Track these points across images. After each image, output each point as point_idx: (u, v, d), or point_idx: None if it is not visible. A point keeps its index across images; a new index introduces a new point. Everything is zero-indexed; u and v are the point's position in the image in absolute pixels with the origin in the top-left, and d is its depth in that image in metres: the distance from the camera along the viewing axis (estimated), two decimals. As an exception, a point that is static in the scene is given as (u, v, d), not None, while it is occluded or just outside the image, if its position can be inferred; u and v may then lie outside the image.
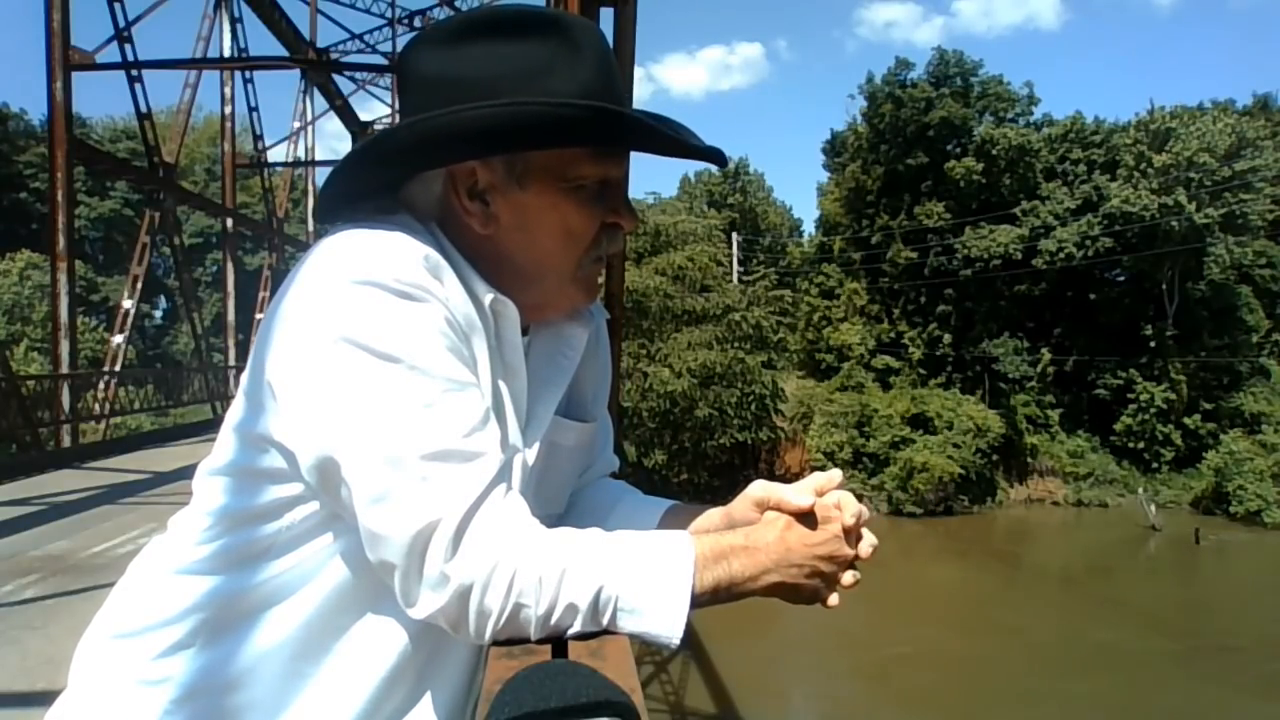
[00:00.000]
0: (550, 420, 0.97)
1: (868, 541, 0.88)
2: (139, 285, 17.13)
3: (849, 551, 0.86)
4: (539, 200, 0.88)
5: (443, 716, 0.92)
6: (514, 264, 0.90)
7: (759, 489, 0.91)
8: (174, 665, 0.85)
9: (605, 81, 0.86)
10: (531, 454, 0.93)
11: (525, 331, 0.95)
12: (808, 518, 0.86)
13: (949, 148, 34.13)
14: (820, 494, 0.88)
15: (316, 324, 0.78)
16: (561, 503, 1.06)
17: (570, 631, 0.79)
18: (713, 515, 0.98)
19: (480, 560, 0.76)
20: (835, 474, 0.90)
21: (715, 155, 0.93)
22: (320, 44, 21.57)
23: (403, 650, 0.87)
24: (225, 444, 0.88)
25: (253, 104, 23.89)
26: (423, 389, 0.77)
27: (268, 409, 0.82)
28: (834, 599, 0.88)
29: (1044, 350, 33.33)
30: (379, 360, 0.77)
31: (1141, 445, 31.57)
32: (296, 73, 24.97)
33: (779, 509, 0.88)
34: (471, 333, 0.85)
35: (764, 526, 0.87)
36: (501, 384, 0.89)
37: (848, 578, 0.88)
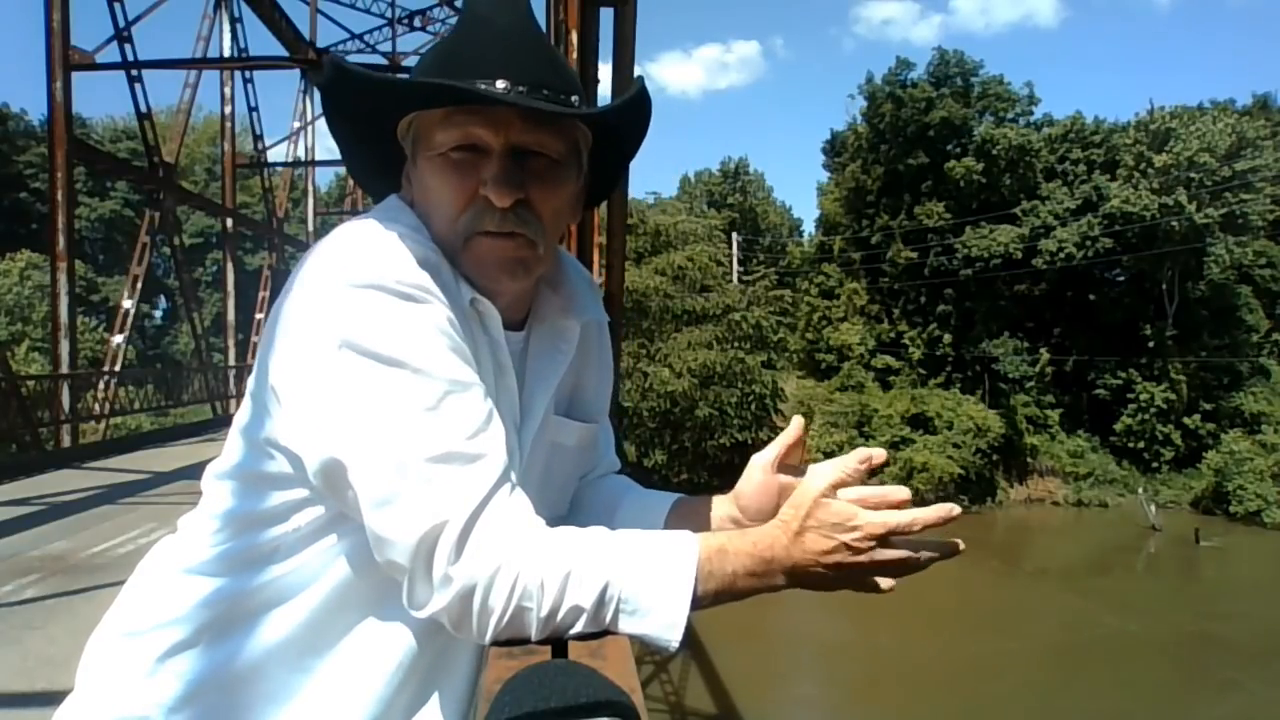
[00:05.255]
0: (548, 418, 0.97)
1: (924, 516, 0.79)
2: (139, 285, 17.12)
3: (862, 559, 0.79)
4: (420, 170, 0.90)
5: (450, 715, 0.92)
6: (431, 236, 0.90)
7: (759, 461, 0.95)
8: (181, 663, 0.85)
9: (459, 46, 0.87)
10: (527, 450, 0.93)
11: (521, 327, 0.96)
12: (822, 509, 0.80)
13: (949, 148, 34.12)
14: (848, 479, 0.82)
15: (318, 328, 0.78)
16: (565, 504, 1.06)
17: (571, 632, 0.79)
18: (720, 503, 0.97)
19: (484, 562, 0.76)
20: (879, 455, 0.83)
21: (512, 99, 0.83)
22: (320, 44, 21.59)
23: (409, 649, 0.88)
24: (233, 447, 0.89)
25: (253, 104, 23.91)
26: (425, 392, 0.78)
27: (273, 413, 0.83)
28: (887, 583, 0.81)
29: (1044, 350, 33.33)
30: (381, 364, 0.77)
31: (1141, 445, 31.56)
32: (296, 73, 24.98)
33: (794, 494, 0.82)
34: (470, 331, 0.86)
35: (772, 532, 0.82)
36: (495, 382, 0.89)
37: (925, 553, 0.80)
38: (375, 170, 0.98)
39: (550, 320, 0.99)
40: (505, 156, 0.86)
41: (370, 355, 0.77)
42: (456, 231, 0.87)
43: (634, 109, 0.93)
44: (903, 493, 0.82)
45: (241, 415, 0.89)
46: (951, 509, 0.79)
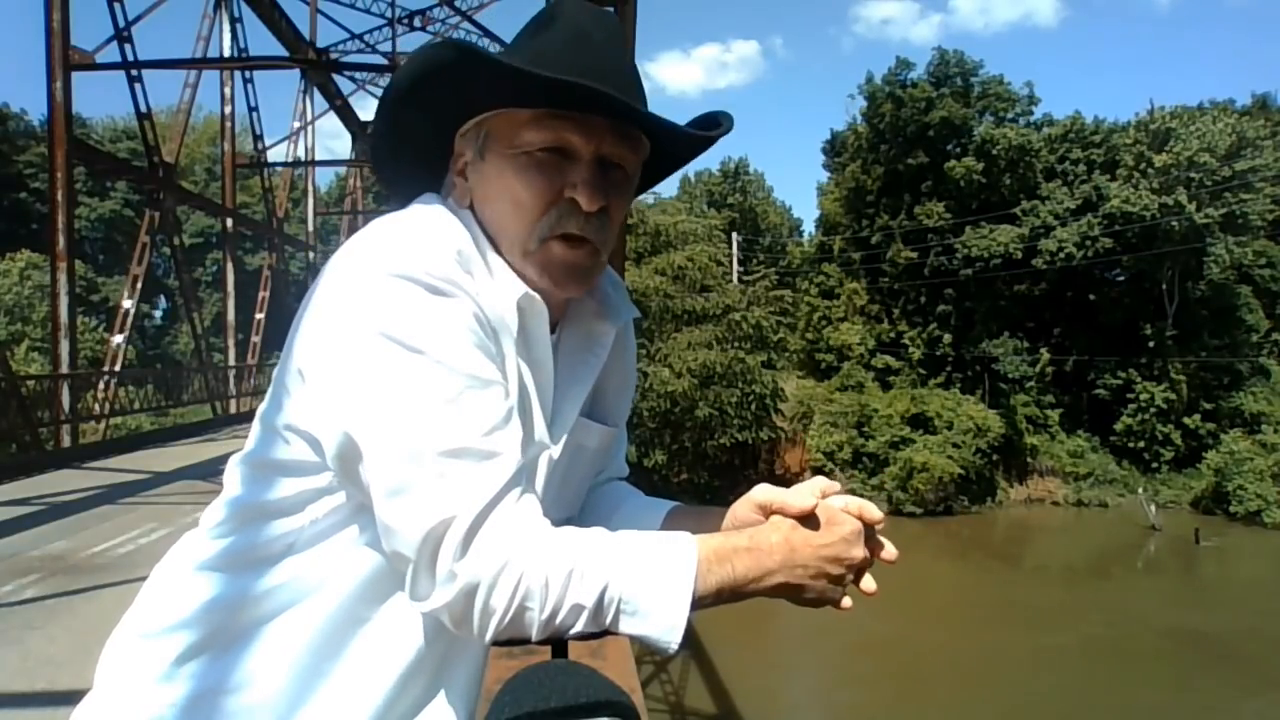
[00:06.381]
0: (576, 420, 0.97)
1: (890, 549, 0.88)
2: (139, 285, 17.12)
3: (856, 554, 0.85)
4: (492, 169, 0.90)
5: (458, 710, 0.93)
6: (492, 238, 0.90)
7: (762, 492, 0.90)
8: (195, 666, 0.85)
9: (561, 52, 0.86)
10: (557, 451, 0.94)
11: (554, 329, 0.96)
12: (810, 520, 0.85)
13: (949, 148, 34.13)
14: (824, 496, 0.87)
15: (349, 314, 0.79)
16: (578, 506, 1.06)
17: (571, 632, 0.79)
18: (715, 517, 0.97)
19: (489, 561, 0.76)
20: (834, 484, 0.90)
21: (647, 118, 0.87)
22: (320, 44, 21.51)
23: (420, 644, 0.88)
24: (255, 435, 0.90)
25: (253, 104, 23.90)
26: (446, 384, 0.78)
27: (295, 395, 0.84)
28: (846, 601, 0.87)
29: (1044, 350, 33.34)
30: (406, 352, 0.78)
31: (1141, 445, 31.57)
32: (296, 73, 24.96)
33: (781, 513, 0.87)
34: (500, 329, 0.86)
35: (769, 528, 0.85)
36: (528, 381, 0.90)
37: (868, 585, 0.87)
38: (409, 170, 0.99)
39: (583, 322, 0.99)
40: (595, 164, 0.87)
41: (396, 343, 0.78)
42: (533, 231, 0.88)
43: (707, 141, 0.95)
44: (879, 513, 0.88)
45: (266, 402, 0.90)
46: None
